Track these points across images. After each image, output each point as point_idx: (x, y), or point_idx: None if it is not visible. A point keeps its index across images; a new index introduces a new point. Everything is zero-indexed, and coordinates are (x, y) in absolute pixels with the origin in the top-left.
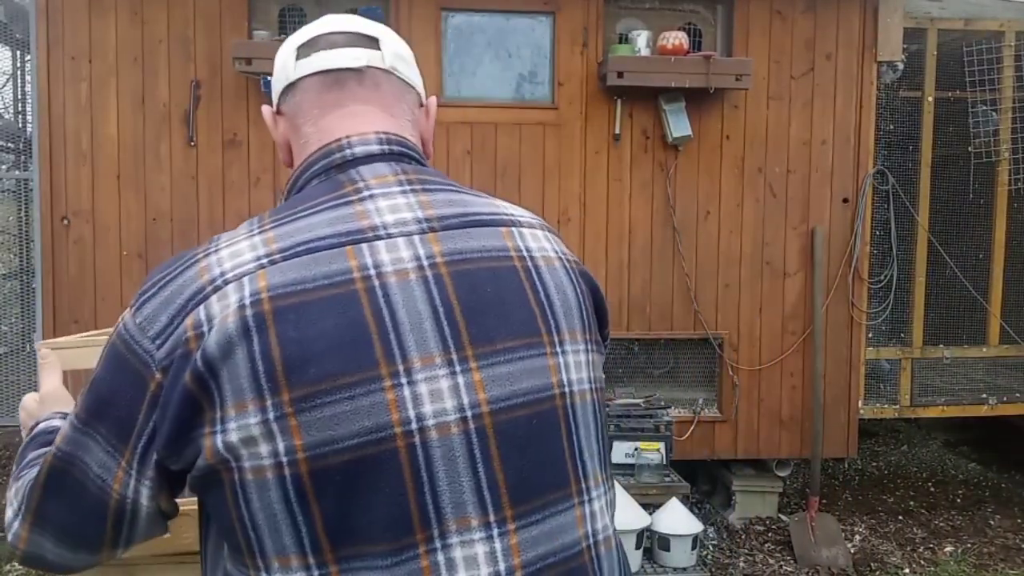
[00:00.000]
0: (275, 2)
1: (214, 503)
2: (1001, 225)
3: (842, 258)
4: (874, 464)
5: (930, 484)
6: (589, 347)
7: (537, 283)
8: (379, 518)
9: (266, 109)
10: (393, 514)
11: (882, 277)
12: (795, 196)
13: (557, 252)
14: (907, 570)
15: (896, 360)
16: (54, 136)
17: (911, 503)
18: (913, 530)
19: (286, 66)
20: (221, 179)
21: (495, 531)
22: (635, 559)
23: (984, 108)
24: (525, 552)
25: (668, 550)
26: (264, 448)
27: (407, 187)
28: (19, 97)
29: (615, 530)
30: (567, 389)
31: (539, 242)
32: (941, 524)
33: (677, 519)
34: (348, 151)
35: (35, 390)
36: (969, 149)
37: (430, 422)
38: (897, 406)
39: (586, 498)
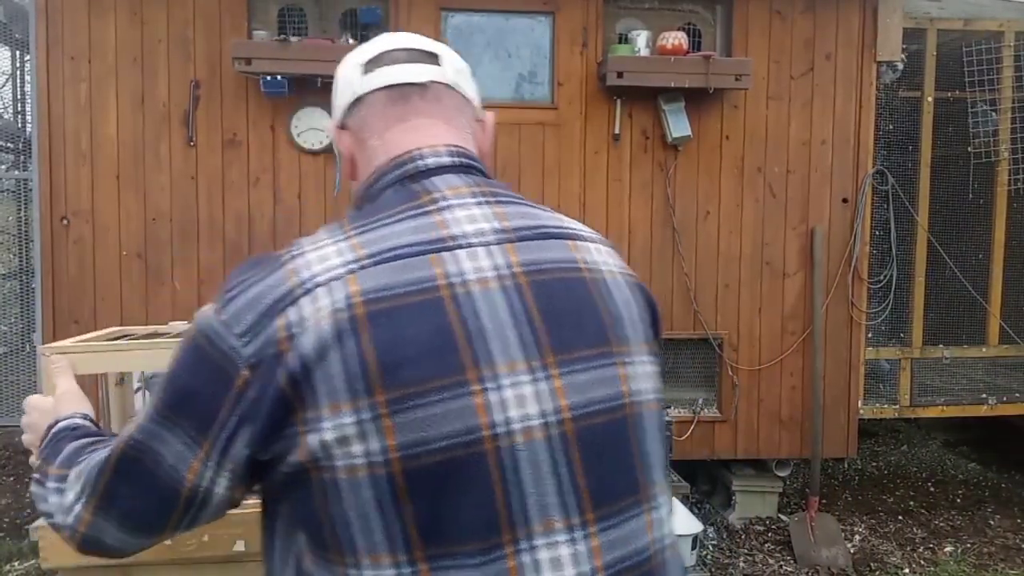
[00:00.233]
0: (275, 2)
1: (300, 500)
2: (1001, 225)
3: (842, 258)
4: (874, 464)
5: (930, 484)
6: (650, 359)
7: (605, 295)
8: (469, 518)
9: (331, 124)
10: (482, 515)
11: (882, 277)
12: (795, 196)
13: (619, 267)
14: (907, 570)
15: (896, 360)
16: (54, 136)
17: (911, 503)
18: (913, 530)
19: (351, 82)
20: (221, 179)
21: (578, 534)
22: None
23: (984, 108)
24: (605, 555)
25: None
26: (357, 448)
27: (481, 199)
28: (19, 97)
29: (675, 538)
30: (635, 399)
31: (602, 256)
32: (941, 524)
33: (677, 519)
34: (420, 162)
35: (35, 390)
36: (969, 149)
37: (516, 426)
38: (897, 406)
39: (653, 504)
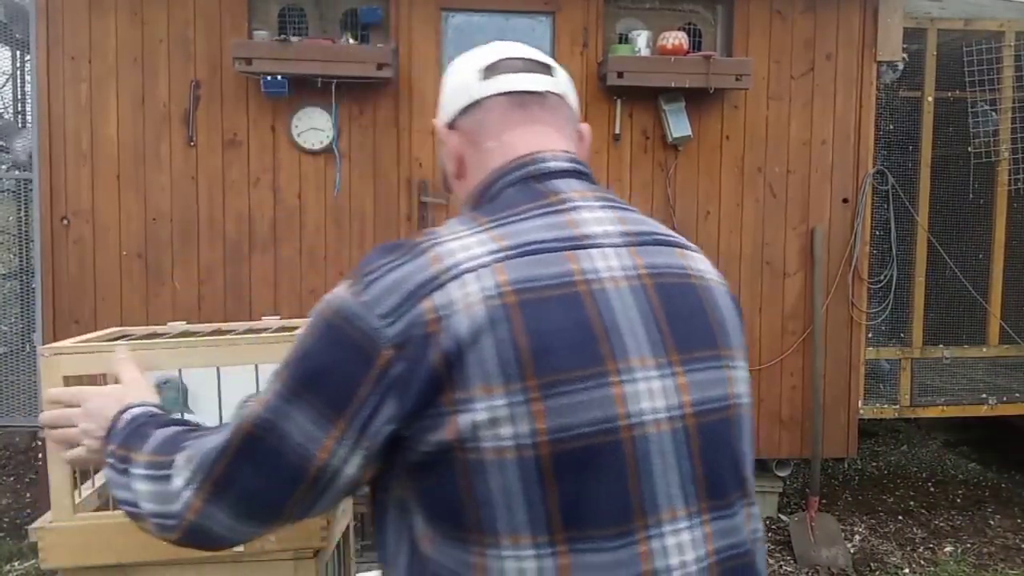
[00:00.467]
0: (275, 2)
1: (436, 481)
2: (1001, 225)
3: (842, 258)
4: (874, 464)
5: (930, 484)
6: (744, 364)
7: (711, 302)
8: (607, 503)
9: (439, 124)
10: (618, 500)
11: (882, 277)
12: (795, 196)
13: (717, 276)
14: (907, 570)
15: (896, 360)
16: (54, 136)
17: (911, 503)
18: (913, 530)
19: (469, 86)
20: (221, 179)
21: (695, 521)
22: None
23: (984, 108)
24: (716, 542)
25: None
26: (507, 430)
27: (603, 203)
28: (19, 97)
29: (763, 532)
30: (738, 401)
31: (704, 265)
32: (941, 524)
33: None
34: (543, 165)
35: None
36: (969, 149)
37: (648, 418)
38: (897, 406)
39: (750, 500)
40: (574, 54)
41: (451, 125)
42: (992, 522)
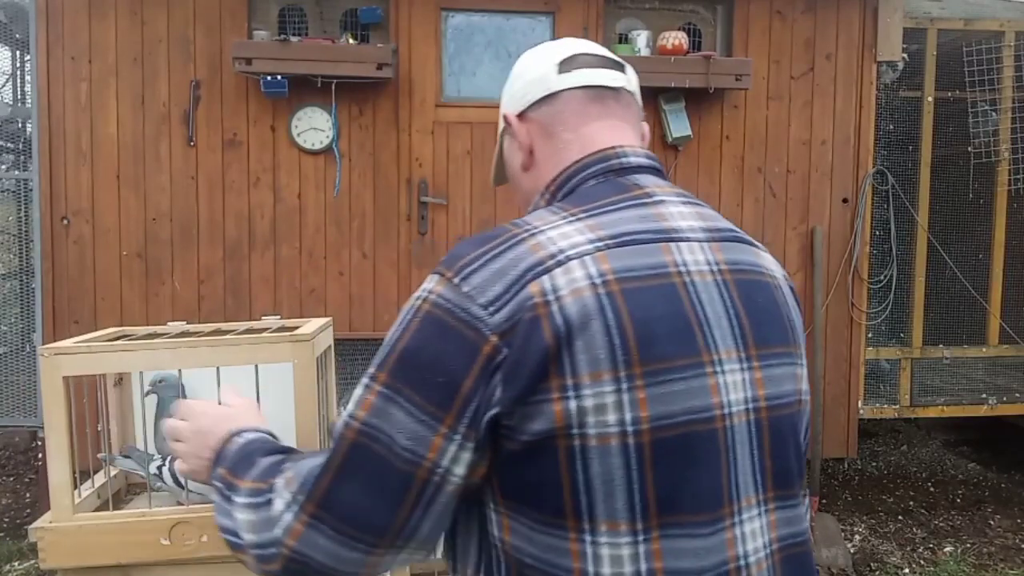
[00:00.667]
0: (275, 2)
1: (535, 468)
2: (1001, 225)
3: (842, 258)
4: (874, 464)
5: (930, 484)
6: (804, 361)
7: (782, 300)
8: (701, 490)
9: (509, 114)
10: (711, 488)
11: (882, 277)
12: (795, 196)
13: (784, 274)
14: (907, 570)
15: (896, 360)
16: (54, 136)
17: (911, 503)
18: (913, 530)
19: (546, 77)
20: (221, 179)
21: (763, 508)
22: None
23: (984, 108)
24: (779, 530)
25: None
26: (612, 416)
27: (683, 198)
28: (19, 97)
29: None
30: (803, 397)
31: (774, 264)
32: (941, 524)
33: None
34: (624, 159)
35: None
36: (969, 149)
37: (734, 409)
38: (897, 406)
39: (805, 492)
40: None
41: (522, 116)
42: (992, 522)
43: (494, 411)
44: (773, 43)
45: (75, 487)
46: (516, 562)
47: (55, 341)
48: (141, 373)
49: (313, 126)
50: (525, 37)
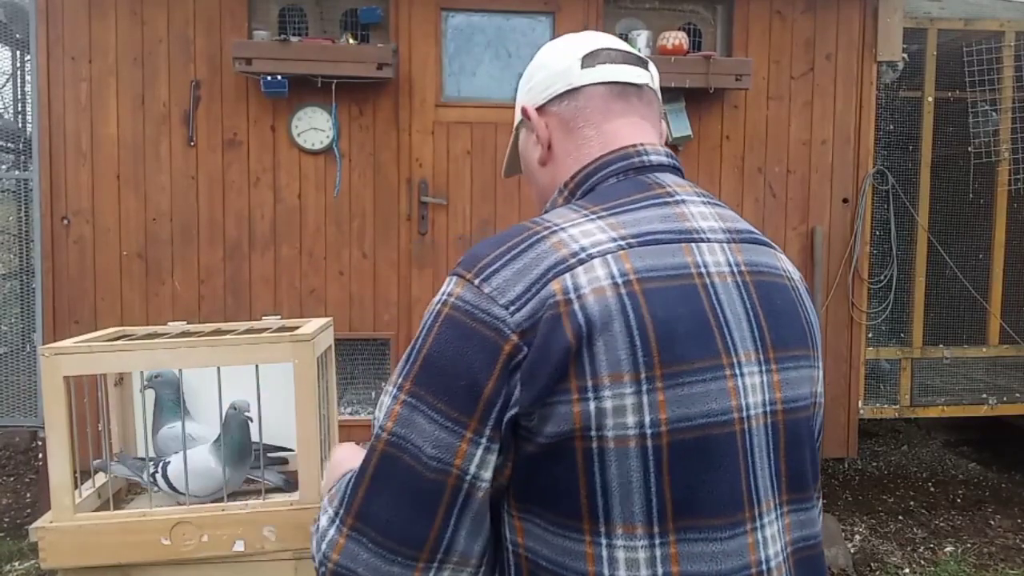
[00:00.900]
0: (275, 2)
1: (552, 470)
2: (1001, 225)
3: (842, 258)
4: (874, 464)
5: (930, 484)
6: (821, 364)
7: (800, 303)
8: (718, 494)
9: (528, 107)
10: (729, 491)
11: (882, 277)
12: (795, 196)
13: (800, 277)
14: (907, 570)
15: (896, 360)
16: (54, 136)
17: (911, 503)
18: (913, 530)
19: (569, 72)
20: (221, 179)
21: (779, 512)
22: None
23: (984, 108)
24: (793, 532)
25: None
26: (631, 419)
27: (704, 198)
28: (19, 97)
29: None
30: (818, 400)
31: (790, 265)
32: (941, 524)
33: None
34: (646, 157)
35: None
36: (969, 149)
37: (752, 412)
38: (897, 406)
39: (819, 495)
40: None
41: (541, 109)
42: (992, 522)
43: (513, 411)
44: (773, 43)
45: (75, 487)
46: (530, 565)
47: (55, 341)
48: (141, 373)
49: (313, 126)
50: (525, 37)
